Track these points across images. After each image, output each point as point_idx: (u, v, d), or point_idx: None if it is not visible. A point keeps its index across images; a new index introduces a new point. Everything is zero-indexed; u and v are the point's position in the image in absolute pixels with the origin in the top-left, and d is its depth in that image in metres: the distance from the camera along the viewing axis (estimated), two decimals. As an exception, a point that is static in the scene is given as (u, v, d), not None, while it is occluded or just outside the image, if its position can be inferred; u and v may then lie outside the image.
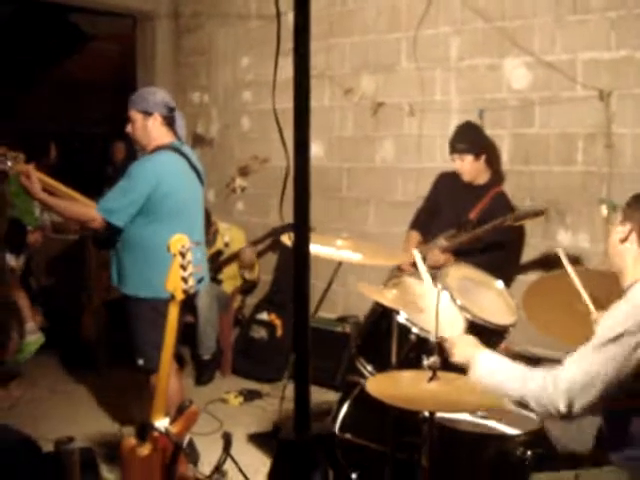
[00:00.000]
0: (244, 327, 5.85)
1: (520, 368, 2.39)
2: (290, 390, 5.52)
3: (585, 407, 2.24)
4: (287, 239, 3.26)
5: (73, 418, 4.64)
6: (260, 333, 5.69)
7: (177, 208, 3.64)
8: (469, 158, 4.33)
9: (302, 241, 1.67)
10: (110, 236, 3.60)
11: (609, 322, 2.32)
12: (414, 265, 4.24)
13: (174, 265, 2.87)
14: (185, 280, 2.88)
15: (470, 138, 4.39)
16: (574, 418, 2.28)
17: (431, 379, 2.44)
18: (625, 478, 2.32)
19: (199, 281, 3.17)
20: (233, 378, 5.54)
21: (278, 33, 1.78)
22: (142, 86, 6.71)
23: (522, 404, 2.34)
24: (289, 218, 5.55)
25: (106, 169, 8.83)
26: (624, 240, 2.47)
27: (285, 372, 5.48)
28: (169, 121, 3.71)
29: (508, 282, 4.53)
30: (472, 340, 2.56)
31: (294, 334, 1.66)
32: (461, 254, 4.20)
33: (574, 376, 2.26)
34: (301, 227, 1.68)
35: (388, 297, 3.04)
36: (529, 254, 4.68)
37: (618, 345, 2.25)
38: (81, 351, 5.66)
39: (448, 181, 4.53)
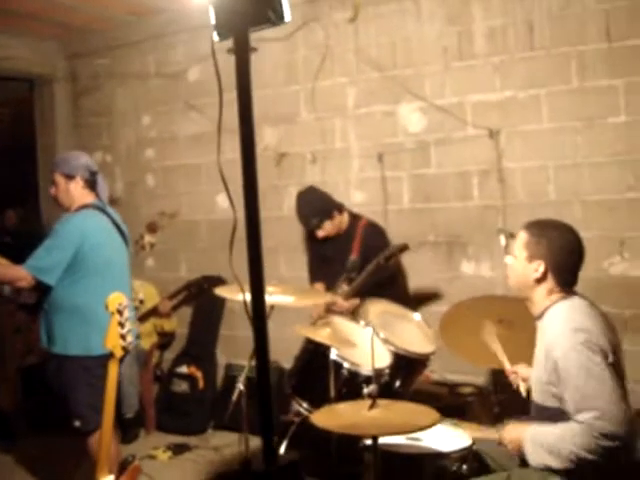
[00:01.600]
0: (164, 382, 5.86)
1: (555, 429, 2.52)
2: (217, 440, 5.54)
3: (626, 419, 2.42)
4: (223, 291, 3.36)
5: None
6: (182, 387, 5.72)
7: (103, 264, 3.70)
8: (326, 224, 4.43)
9: (257, 293, 1.80)
10: (38, 300, 3.63)
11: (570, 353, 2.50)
12: (327, 311, 4.41)
13: (112, 323, 2.93)
14: (124, 337, 2.95)
15: (316, 209, 4.44)
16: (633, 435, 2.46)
17: (371, 407, 2.61)
18: (551, 476, 2.55)
19: (136, 337, 3.25)
20: (158, 434, 5.52)
21: (220, 105, 1.93)
22: (42, 149, 6.72)
23: (573, 462, 2.46)
24: (209, 270, 5.61)
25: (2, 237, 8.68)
26: (541, 280, 2.67)
27: (210, 422, 5.53)
28: (91, 184, 3.81)
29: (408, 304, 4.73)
30: (513, 426, 2.71)
31: (257, 373, 1.78)
32: (365, 293, 4.37)
33: (596, 404, 2.42)
34: (256, 279, 1.80)
35: (323, 335, 3.21)
36: (438, 285, 4.94)
37: (595, 358, 2.47)
38: (-3, 421, 5.53)
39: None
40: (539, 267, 2.66)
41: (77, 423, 3.62)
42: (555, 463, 2.49)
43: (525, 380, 3.00)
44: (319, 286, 4.74)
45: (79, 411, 3.62)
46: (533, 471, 2.60)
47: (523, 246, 2.72)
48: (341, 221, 4.53)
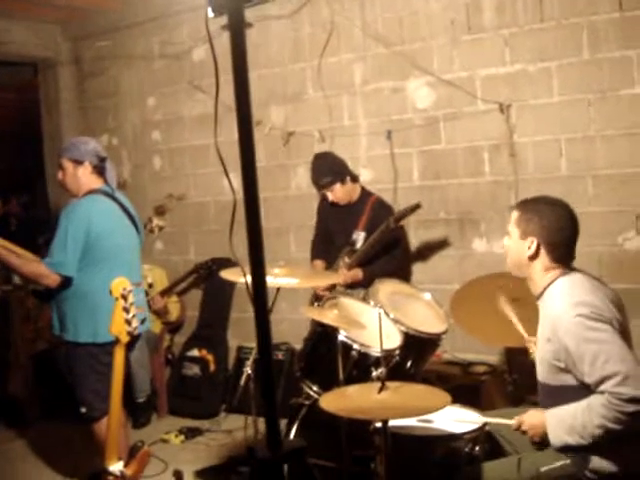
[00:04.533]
0: (176, 366, 5.84)
1: (577, 405, 2.45)
2: (229, 423, 5.51)
3: None
4: (228, 273, 3.29)
5: (13, 476, 4.55)
6: (193, 370, 5.69)
7: (111, 250, 3.65)
8: (337, 186, 4.44)
9: (258, 275, 1.73)
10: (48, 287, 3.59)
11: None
12: (328, 289, 4.36)
13: (117, 308, 2.89)
14: (129, 322, 2.91)
15: (329, 169, 4.47)
16: None
17: (381, 390, 2.56)
18: (562, 458, 2.49)
19: (142, 322, 3.20)
20: (170, 418, 5.51)
21: (217, 86, 1.87)
22: (48, 133, 6.68)
23: (599, 436, 2.38)
24: (218, 252, 5.55)
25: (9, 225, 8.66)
26: (534, 257, 2.62)
27: (222, 405, 5.51)
28: (99, 170, 3.76)
29: (407, 276, 4.89)
30: (534, 411, 2.65)
31: (259, 358, 1.72)
32: (366, 263, 4.34)
33: (614, 369, 2.35)
34: (256, 261, 1.74)
35: (330, 317, 3.15)
36: (448, 263, 4.88)
37: (601, 326, 2.40)
38: (9, 407, 5.53)
39: (328, 206, 4.63)
40: (532, 244, 2.61)
41: (83, 409, 3.62)
42: (580, 441, 2.43)
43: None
44: (319, 263, 4.74)
45: (85, 398, 3.61)
46: (544, 454, 2.55)
47: (515, 224, 2.68)
48: (353, 190, 4.53)
